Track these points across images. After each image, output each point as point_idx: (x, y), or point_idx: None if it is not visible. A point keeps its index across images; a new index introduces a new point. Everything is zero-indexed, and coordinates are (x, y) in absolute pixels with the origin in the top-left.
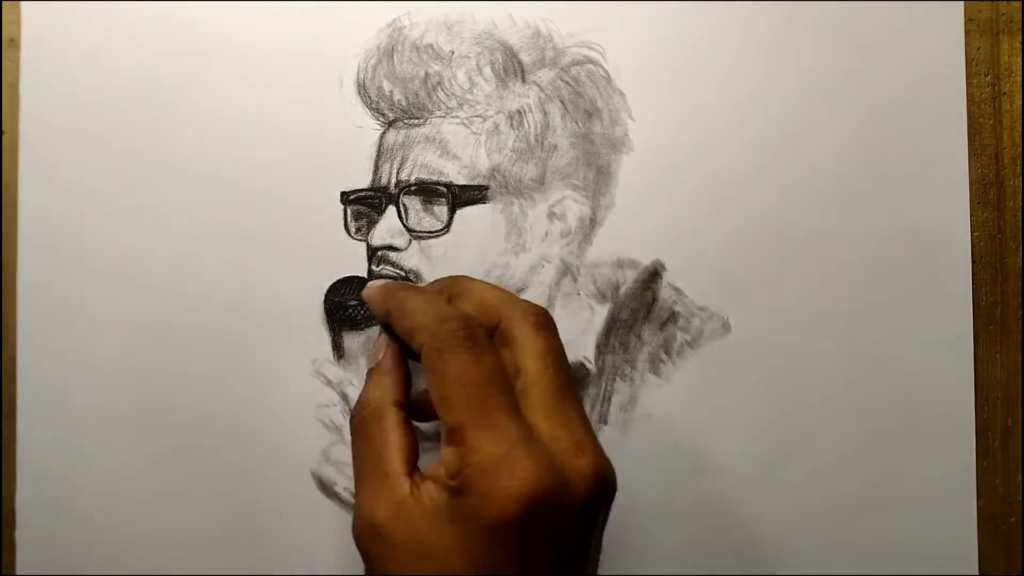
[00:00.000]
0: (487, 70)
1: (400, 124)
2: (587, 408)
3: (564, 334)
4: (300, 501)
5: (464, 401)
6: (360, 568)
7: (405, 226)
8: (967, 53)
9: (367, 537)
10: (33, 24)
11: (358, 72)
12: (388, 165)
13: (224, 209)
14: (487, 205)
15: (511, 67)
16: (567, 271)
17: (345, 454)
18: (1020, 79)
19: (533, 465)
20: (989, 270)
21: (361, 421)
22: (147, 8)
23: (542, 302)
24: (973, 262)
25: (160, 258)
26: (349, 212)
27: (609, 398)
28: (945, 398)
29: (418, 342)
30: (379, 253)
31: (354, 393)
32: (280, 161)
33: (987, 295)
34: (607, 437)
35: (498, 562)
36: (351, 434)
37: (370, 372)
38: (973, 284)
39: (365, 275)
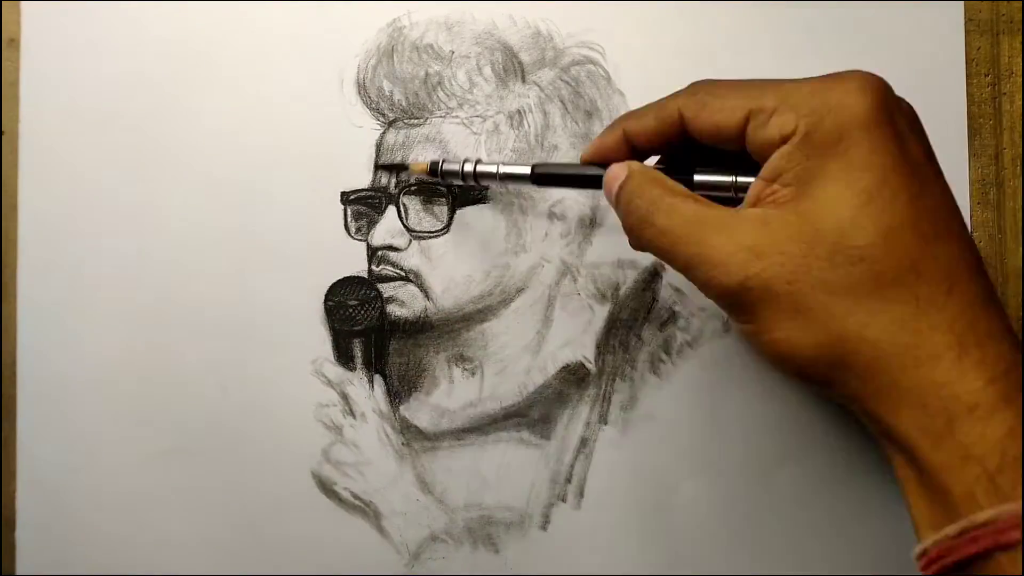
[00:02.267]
0: (487, 70)
1: (400, 124)
2: (587, 408)
3: (564, 334)
4: (300, 501)
5: (753, 86)
6: (354, 567)
7: (405, 226)
8: (967, 53)
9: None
10: (33, 24)
11: (358, 72)
12: None
13: (224, 209)
14: (487, 205)
15: (511, 67)
16: (567, 271)
17: (344, 454)
18: (1020, 79)
19: (853, 73)
20: (989, 270)
21: (641, 221)
22: (147, 8)
23: (542, 302)
24: None
25: (160, 258)
26: (349, 212)
27: (609, 398)
28: None
29: (672, 106)
30: (379, 253)
31: (354, 393)
32: (280, 161)
33: None
34: (607, 437)
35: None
36: (646, 243)
37: (620, 188)
38: None
39: (365, 275)
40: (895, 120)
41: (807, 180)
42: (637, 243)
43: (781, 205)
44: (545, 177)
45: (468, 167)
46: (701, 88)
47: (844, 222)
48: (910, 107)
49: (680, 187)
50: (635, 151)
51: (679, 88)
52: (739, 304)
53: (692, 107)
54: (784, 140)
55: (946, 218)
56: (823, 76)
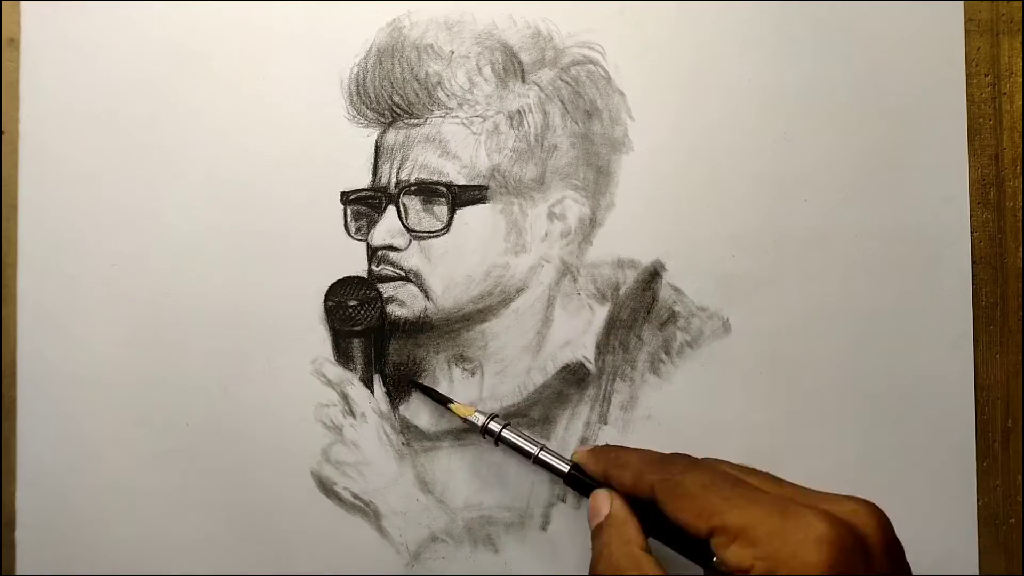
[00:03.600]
0: (487, 70)
1: (400, 124)
2: (587, 408)
3: (564, 334)
4: (300, 501)
5: (719, 496)
6: (354, 566)
7: (405, 226)
8: (967, 53)
9: None
10: (33, 24)
11: (358, 72)
12: (388, 165)
13: (224, 209)
14: (487, 205)
15: (511, 67)
16: (567, 271)
17: (344, 454)
18: (1020, 79)
19: (816, 516)
20: (989, 270)
21: None
22: (147, 8)
23: (542, 302)
24: (973, 262)
25: (160, 258)
26: (349, 212)
27: (609, 398)
28: (945, 398)
29: (647, 481)
30: (379, 253)
31: (354, 393)
32: (280, 161)
33: (987, 295)
34: (607, 437)
35: None
36: None
37: (599, 529)
38: (973, 284)
39: (365, 275)
40: None
41: None
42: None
43: None
44: (574, 480)
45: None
46: (676, 471)
47: None
48: (890, 550)
49: (646, 559)
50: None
51: (680, 90)
52: None
53: (664, 491)
54: (740, 571)
55: None
56: (786, 506)
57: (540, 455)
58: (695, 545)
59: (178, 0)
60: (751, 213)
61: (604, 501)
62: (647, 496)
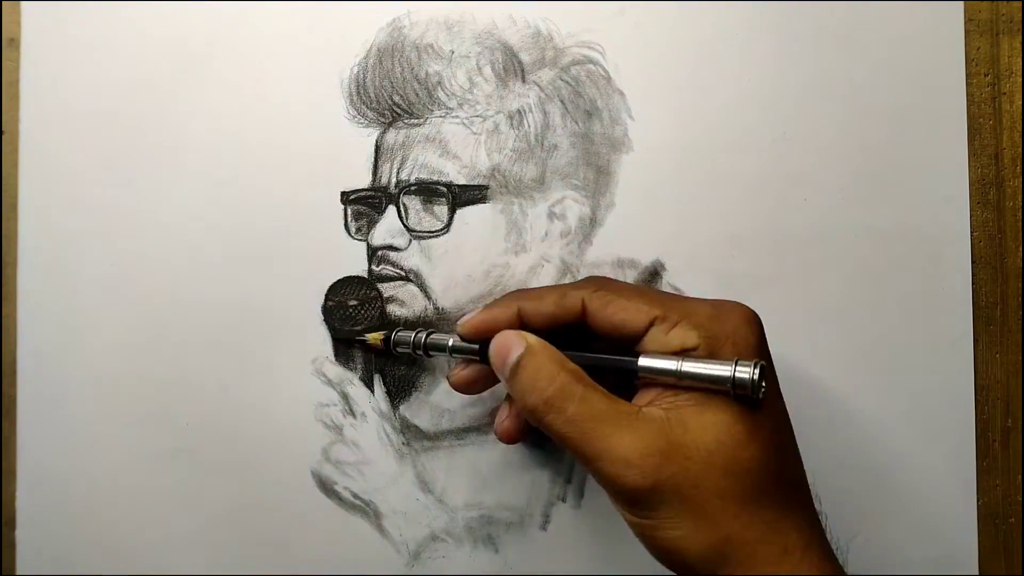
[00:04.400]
0: (487, 70)
1: (400, 124)
2: None
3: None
4: (300, 501)
5: (656, 295)
6: (354, 566)
7: (405, 226)
8: (967, 53)
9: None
10: (33, 24)
11: (358, 72)
12: (388, 165)
13: (224, 209)
14: (487, 205)
15: (511, 67)
16: (567, 271)
17: (344, 453)
18: (1020, 79)
19: (739, 305)
20: (989, 270)
21: (547, 405)
22: (147, 8)
23: None
24: (973, 262)
25: (160, 257)
26: (349, 212)
27: None
28: (945, 398)
29: (575, 297)
30: (379, 253)
31: (354, 392)
32: (280, 161)
33: (987, 295)
34: None
35: None
36: (549, 426)
37: (519, 364)
38: (973, 284)
39: (365, 275)
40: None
41: (708, 394)
42: (536, 422)
43: (682, 410)
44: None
45: (420, 338)
46: (603, 286)
47: (739, 439)
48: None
49: (580, 371)
50: (524, 328)
51: (680, 90)
52: (643, 501)
53: (596, 302)
54: (684, 351)
55: (794, 442)
56: (712, 301)
57: (451, 343)
58: (621, 353)
59: (178, 0)
60: (751, 213)
61: (516, 338)
62: (570, 314)
